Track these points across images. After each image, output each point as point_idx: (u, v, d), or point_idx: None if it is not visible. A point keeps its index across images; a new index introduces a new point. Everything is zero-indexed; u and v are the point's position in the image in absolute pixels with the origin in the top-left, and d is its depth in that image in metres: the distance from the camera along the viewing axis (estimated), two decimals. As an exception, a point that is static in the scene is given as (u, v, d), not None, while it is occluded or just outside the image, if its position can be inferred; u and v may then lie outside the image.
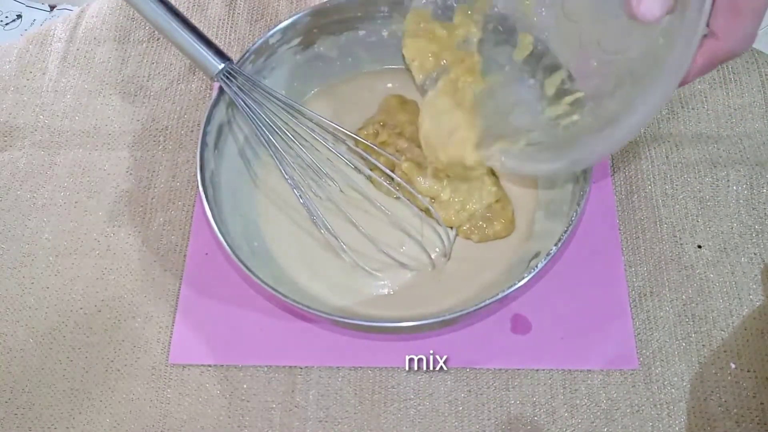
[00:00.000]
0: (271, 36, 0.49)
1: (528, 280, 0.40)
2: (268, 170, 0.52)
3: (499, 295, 0.40)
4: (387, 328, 0.42)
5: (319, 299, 0.47)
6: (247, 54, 0.48)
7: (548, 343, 0.47)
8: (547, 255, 0.41)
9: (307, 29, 0.51)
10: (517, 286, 0.40)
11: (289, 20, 0.49)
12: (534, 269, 0.41)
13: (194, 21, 0.62)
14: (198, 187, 0.45)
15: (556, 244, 0.41)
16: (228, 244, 0.42)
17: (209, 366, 0.47)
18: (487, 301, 0.40)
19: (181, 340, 0.48)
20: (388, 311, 0.47)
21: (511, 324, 0.48)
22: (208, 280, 0.50)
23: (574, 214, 0.42)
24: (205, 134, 0.46)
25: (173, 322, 0.49)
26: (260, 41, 0.49)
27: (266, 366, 0.47)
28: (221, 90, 0.47)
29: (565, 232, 0.41)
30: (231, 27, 0.62)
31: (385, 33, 0.53)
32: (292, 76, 0.53)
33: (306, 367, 0.47)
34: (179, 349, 0.48)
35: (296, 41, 0.51)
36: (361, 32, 0.53)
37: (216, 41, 0.60)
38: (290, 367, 0.47)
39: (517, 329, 0.47)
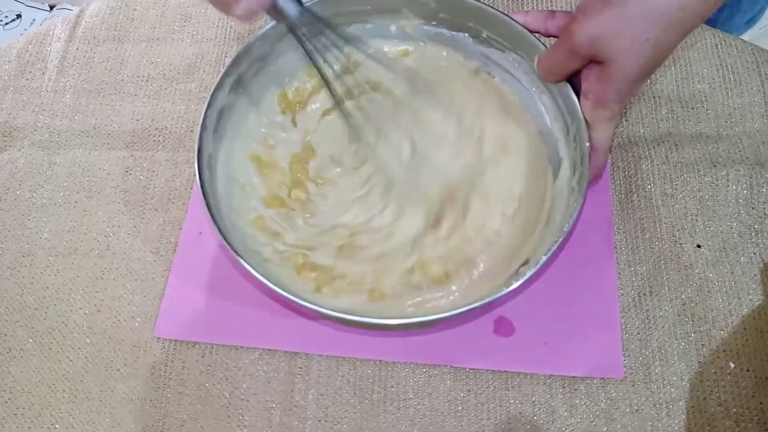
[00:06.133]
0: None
1: (515, 288, 0.40)
2: (267, 157, 0.52)
3: (484, 301, 0.40)
4: (360, 323, 0.41)
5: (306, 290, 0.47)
6: (254, 40, 0.48)
7: (531, 347, 0.46)
8: (536, 263, 0.41)
9: (315, 18, 0.51)
10: (503, 293, 0.40)
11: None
12: (522, 277, 0.40)
13: (194, 19, 0.63)
14: (194, 170, 0.44)
15: (545, 254, 0.41)
16: (216, 224, 0.42)
17: (206, 361, 0.47)
18: (470, 306, 0.40)
19: (168, 315, 0.49)
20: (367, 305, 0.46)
21: (494, 326, 0.47)
22: (198, 261, 0.50)
23: (567, 225, 0.42)
24: (205, 117, 0.46)
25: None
26: (267, 27, 0.49)
27: (260, 350, 0.47)
28: (225, 73, 0.47)
29: (555, 242, 0.41)
30: (231, 26, 0.62)
31: (393, 28, 0.53)
32: (298, 62, 0.53)
33: (303, 354, 0.47)
34: (165, 323, 0.48)
35: (303, 30, 0.51)
36: (369, 25, 0.53)
37: (216, 39, 0.61)
38: (289, 366, 0.47)
39: (499, 331, 0.47)
